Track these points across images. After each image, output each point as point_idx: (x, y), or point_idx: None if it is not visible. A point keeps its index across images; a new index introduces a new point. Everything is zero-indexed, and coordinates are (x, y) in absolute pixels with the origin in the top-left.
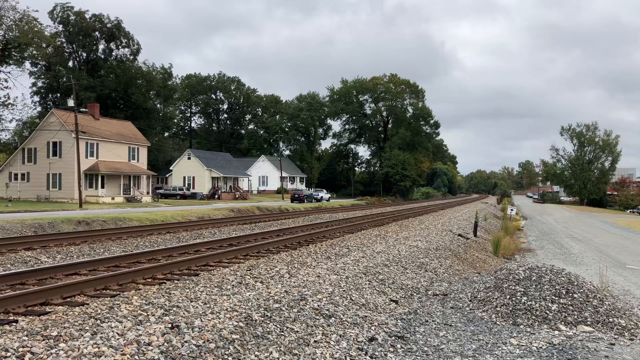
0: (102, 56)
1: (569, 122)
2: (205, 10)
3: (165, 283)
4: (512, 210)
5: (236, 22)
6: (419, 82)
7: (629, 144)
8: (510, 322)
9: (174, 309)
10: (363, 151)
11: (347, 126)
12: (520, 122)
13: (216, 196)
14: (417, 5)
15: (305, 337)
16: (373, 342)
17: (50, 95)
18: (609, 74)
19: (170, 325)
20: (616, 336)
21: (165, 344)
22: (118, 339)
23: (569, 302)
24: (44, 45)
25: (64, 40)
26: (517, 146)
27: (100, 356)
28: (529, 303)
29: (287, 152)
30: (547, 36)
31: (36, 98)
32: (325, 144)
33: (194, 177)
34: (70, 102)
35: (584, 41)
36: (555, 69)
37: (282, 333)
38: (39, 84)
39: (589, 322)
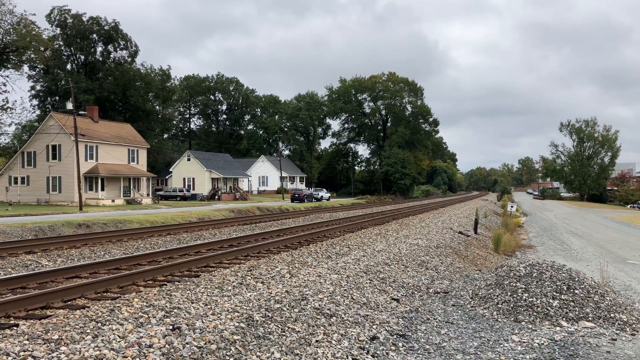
0: (100, 58)
1: (568, 119)
2: (199, 13)
3: (166, 285)
4: (512, 207)
5: (230, 25)
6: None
7: (625, 139)
8: (512, 318)
9: (175, 310)
10: (362, 150)
11: (346, 125)
12: (517, 119)
13: (216, 197)
14: (408, 6)
15: (307, 337)
16: (375, 341)
17: (49, 98)
18: (602, 71)
19: (171, 327)
20: (618, 332)
21: (167, 345)
22: (119, 341)
23: (570, 298)
24: (41, 48)
25: (61, 43)
26: (515, 143)
27: (102, 359)
28: (530, 299)
29: (286, 152)
30: (538, 34)
31: (35, 101)
32: (325, 144)
33: (193, 179)
34: (69, 105)
35: (574, 39)
36: (549, 66)
37: (284, 333)
38: (38, 87)
39: (590, 318)
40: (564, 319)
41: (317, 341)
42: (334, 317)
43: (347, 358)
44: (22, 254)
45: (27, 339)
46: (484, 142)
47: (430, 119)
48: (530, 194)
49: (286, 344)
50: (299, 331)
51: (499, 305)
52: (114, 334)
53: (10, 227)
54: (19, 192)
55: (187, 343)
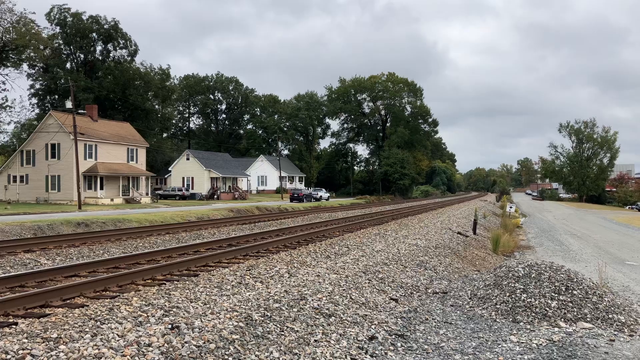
0: (100, 57)
1: (567, 120)
2: (198, 13)
3: (165, 284)
4: (511, 207)
5: (229, 25)
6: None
7: (624, 141)
8: (510, 319)
9: (174, 309)
10: (362, 150)
11: (345, 125)
12: (516, 119)
13: (215, 196)
14: (406, 6)
15: (306, 336)
16: (373, 341)
17: (48, 97)
18: (600, 72)
19: (170, 326)
20: (616, 332)
21: (166, 344)
22: (118, 340)
23: (569, 299)
24: (41, 47)
25: (61, 41)
26: (514, 143)
27: (101, 358)
28: (528, 300)
29: (285, 152)
30: (536, 35)
31: (34, 100)
32: (324, 143)
33: (193, 178)
34: (69, 104)
35: (572, 40)
36: (547, 67)
37: (282, 333)
38: (37, 85)
39: (588, 319)
40: (562, 319)
41: (315, 341)
42: (333, 317)
43: (346, 358)
44: (21, 253)
45: (26, 338)
46: (483, 143)
47: (430, 119)
48: (529, 194)
49: (285, 344)
50: (297, 331)
51: (498, 306)
52: (112, 332)
53: (9, 225)
54: (18, 190)
55: (186, 342)
